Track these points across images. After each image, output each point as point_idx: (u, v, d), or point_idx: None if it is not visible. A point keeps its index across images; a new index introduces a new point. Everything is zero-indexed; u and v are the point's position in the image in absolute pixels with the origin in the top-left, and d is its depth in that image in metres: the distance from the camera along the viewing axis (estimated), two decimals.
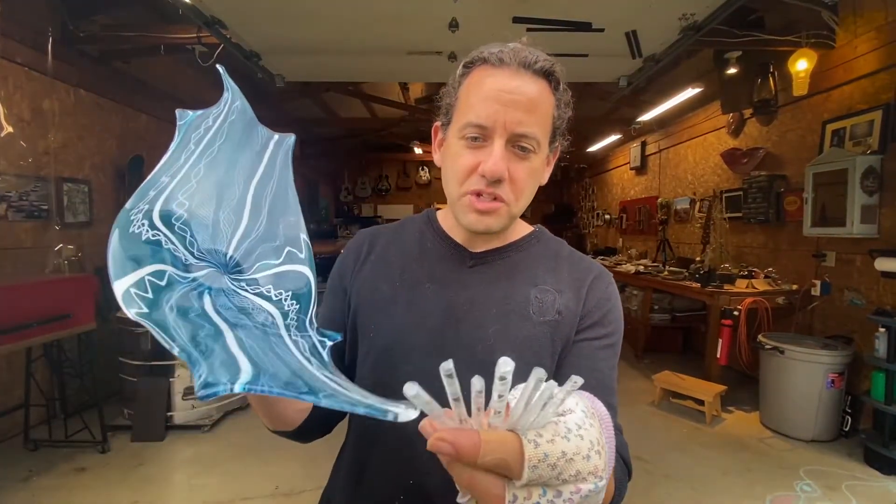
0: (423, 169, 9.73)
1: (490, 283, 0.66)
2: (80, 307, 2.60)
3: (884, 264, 2.76)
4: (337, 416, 0.67)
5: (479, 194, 0.60)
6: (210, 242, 0.47)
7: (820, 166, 3.23)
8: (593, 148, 7.51)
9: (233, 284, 0.46)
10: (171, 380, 3.02)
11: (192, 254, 0.45)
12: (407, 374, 0.62)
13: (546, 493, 0.32)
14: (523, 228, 0.74)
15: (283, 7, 2.39)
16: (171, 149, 0.48)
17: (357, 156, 9.46)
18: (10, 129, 2.85)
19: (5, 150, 2.85)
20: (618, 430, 0.61)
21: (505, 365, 0.31)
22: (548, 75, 0.60)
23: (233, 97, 0.55)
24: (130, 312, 0.37)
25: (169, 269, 0.42)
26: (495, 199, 0.60)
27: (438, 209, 0.78)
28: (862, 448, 2.78)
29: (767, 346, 3.16)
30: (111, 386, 3.20)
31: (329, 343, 0.49)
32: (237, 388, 0.32)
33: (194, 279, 0.43)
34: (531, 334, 0.62)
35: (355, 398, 0.36)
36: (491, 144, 0.59)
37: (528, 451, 0.31)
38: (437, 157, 0.71)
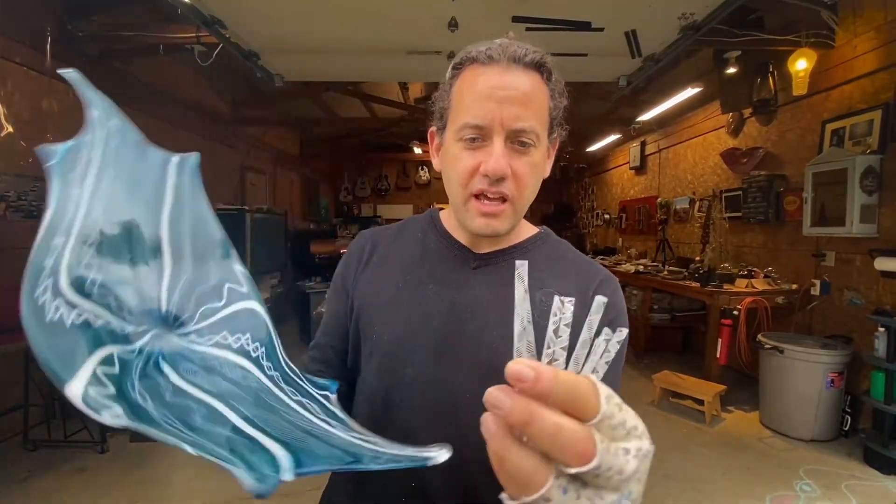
0: (422, 169, 9.73)
1: (494, 285, 0.65)
2: None
3: (883, 264, 2.76)
4: None
5: (483, 195, 0.59)
6: (138, 301, 0.40)
7: (819, 166, 3.23)
8: (593, 148, 7.51)
9: (184, 341, 0.41)
10: None
11: (124, 319, 0.38)
12: (409, 377, 0.61)
13: (619, 447, 0.28)
14: (528, 230, 0.73)
15: (283, 6, 2.39)
16: (53, 202, 0.39)
17: (357, 156, 9.46)
18: (10, 129, 2.85)
19: (4, 149, 2.85)
20: None
21: (567, 299, 0.30)
22: (539, 67, 0.60)
23: (105, 114, 0.44)
24: (108, 419, 0.31)
25: (114, 349, 0.36)
26: (502, 199, 0.60)
27: (441, 209, 0.77)
28: (861, 448, 2.78)
29: (767, 346, 3.16)
30: None
31: (333, 396, 0.45)
32: (288, 477, 0.33)
33: (140, 350, 0.38)
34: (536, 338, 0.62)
35: (394, 454, 0.36)
36: (490, 144, 0.58)
37: (598, 383, 0.28)
38: (436, 163, 0.70)
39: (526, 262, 0.31)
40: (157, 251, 0.43)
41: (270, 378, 0.42)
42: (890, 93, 2.92)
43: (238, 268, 0.46)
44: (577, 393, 0.26)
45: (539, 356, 0.31)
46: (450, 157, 0.63)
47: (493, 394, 0.27)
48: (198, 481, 2.50)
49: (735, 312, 3.43)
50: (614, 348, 0.31)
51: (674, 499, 2.39)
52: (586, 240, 8.97)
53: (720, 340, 3.45)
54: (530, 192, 0.62)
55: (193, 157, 0.48)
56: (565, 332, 0.31)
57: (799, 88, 3.33)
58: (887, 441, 2.60)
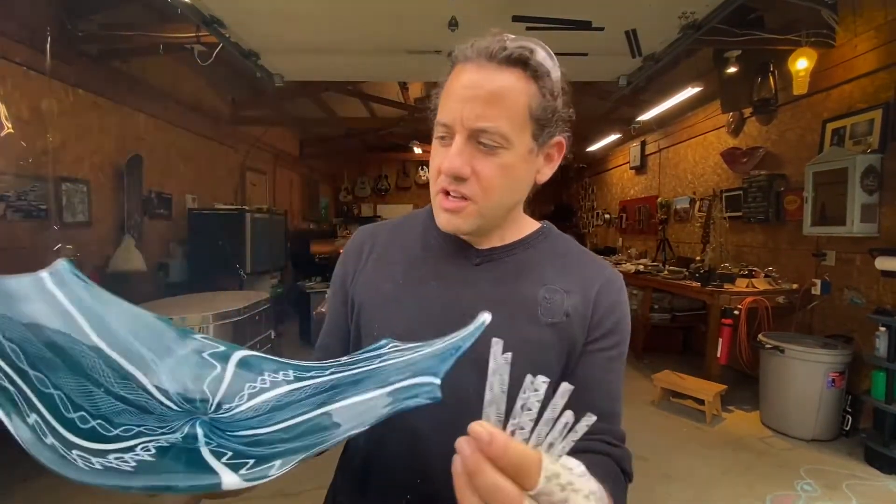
0: (422, 169, 9.73)
1: (497, 281, 0.64)
2: None
3: (884, 263, 2.76)
4: None
5: (447, 193, 0.60)
6: (152, 414, 0.40)
7: (820, 165, 3.23)
8: (593, 147, 7.51)
9: (222, 415, 0.42)
10: None
11: (171, 430, 0.39)
12: None
13: None
14: (530, 225, 0.71)
15: (282, 6, 2.39)
16: None
17: (356, 156, 9.45)
18: (10, 129, 2.85)
19: (4, 149, 2.84)
20: (620, 440, 0.61)
21: (540, 379, 0.33)
22: (520, 63, 0.57)
23: None
24: (279, 473, 0.34)
25: (205, 447, 0.37)
26: (463, 197, 0.59)
27: None
28: (862, 447, 2.77)
29: (767, 346, 3.16)
30: None
31: (393, 342, 0.50)
32: (439, 381, 0.37)
33: (208, 436, 0.38)
34: (539, 337, 0.61)
35: (467, 334, 0.42)
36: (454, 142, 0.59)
37: (545, 460, 0.32)
38: None
39: (501, 342, 0.34)
40: (114, 367, 0.41)
41: (331, 374, 0.44)
42: (890, 92, 2.91)
43: (197, 336, 0.46)
44: (522, 465, 0.31)
45: (505, 424, 0.34)
46: (431, 154, 0.64)
47: (460, 442, 0.32)
48: None
49: (735, 312, 3.42)
50: (582, 429, 0.33)
51: (674, 498, 2.38)
52: (586, 239, 8.97)
53: (720, 340, 3.45)
54: (499, 194, 0.60)
55: (62, 264, 0.45)
56: (535, 407, 0.33)
57: (799, 88, 3.32)
58: (888, 441, 2.60)
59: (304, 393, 0.43)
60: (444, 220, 0.61)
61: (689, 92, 4.56)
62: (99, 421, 0.37)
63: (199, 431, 0.39)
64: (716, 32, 3.07)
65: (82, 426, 0.36)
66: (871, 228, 2.98)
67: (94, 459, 0.34)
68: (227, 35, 2.69)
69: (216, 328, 3.12)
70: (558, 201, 10.20)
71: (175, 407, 0.41)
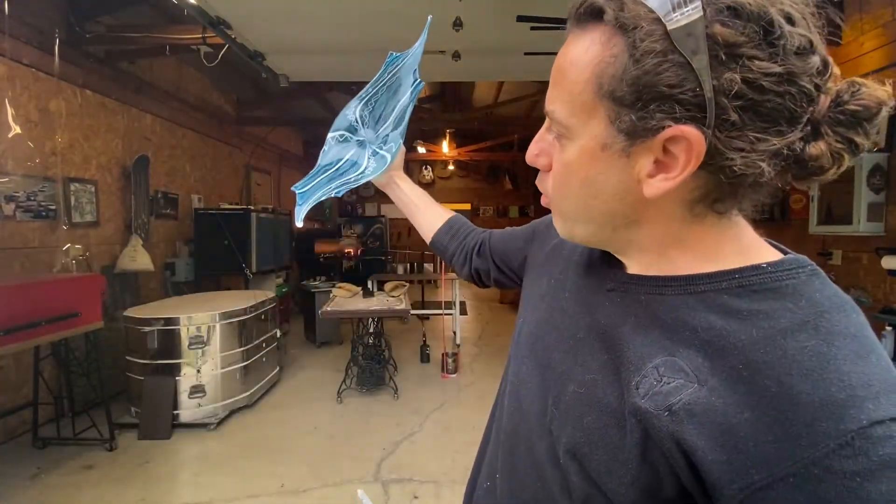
0: (426, 168, 9.74)
1: (616, 318, 0.45)
2: (88, 306, 2.62)
3: (890, 262, 2.74)
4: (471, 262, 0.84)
5: None
6: (361, 154, 0.92)
7: None
8: None
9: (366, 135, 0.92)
10: (177, 378, 3.04)
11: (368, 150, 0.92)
12: (514, 375, 0.58)
13: None
14: (741, 258, 0.42)
15: (288, 7, 2.41)
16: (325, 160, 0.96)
17: None
18: (18, 130, 2.88)
19: (13, 150, 2.88)
20: None
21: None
22: (597, 15, 0.39)
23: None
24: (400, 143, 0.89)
25: (376, 149, 0.90)
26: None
27: None
28: None
29: None
30: (118, 384, 3.23)
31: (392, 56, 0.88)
32: (418, 73, 0.86)
33: (372, 149, 0.91)
34: (618, 410, 0.41)
35: (419, 47, 0.86)
36: None
37: None
38: None
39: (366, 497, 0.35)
40: (345, 141, 0.94)
41: (377, 87, 0.90)
42: None
43: (347, 111, 0.93)
44: None
45: None
46: None
47: None
48: (204, 479, 2.52)
49: None
50: None
51: None
52: None
53: None
54: (566, 196, 0.45)
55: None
56: None
57: None
58: None
59: (376, 99, 0.89)
60: None
61: None
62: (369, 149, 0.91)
63: (372, 148, 0.90)
64: None
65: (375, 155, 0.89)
66: (877, 227, 2.96)
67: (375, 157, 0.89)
68: (233, 36, 2.71)
69: (222, 327, 3.15)
70: None
71: (358, 142, 0.92)
